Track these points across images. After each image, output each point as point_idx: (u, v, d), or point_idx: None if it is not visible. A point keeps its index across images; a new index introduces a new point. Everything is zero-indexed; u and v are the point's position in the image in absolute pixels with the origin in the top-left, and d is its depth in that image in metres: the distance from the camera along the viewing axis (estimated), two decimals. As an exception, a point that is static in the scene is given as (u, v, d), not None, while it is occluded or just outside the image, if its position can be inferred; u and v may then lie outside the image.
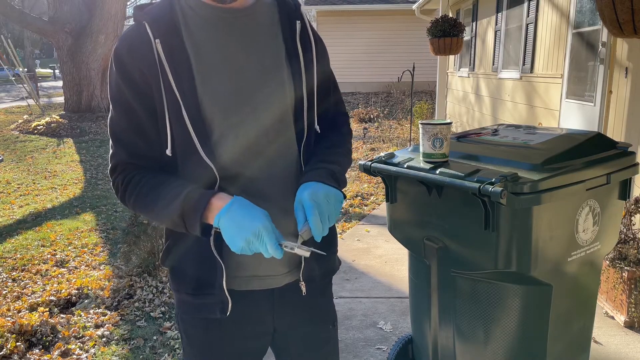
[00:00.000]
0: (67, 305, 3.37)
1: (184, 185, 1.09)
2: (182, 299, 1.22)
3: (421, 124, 1.83)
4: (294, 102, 1.17)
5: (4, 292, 3.55)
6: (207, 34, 1.12)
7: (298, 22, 1.19)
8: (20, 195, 6.30)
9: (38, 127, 10.77)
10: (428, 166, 1.83)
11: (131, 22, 1.14)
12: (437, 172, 1.77)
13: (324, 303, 1.35)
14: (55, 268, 3.99)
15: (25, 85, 15.15)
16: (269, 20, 1.18)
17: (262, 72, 1.15)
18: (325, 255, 1.06)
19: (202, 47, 1.11)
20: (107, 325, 3.06)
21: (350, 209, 5.36)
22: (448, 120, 1.82)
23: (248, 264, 1.18)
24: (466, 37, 8.51)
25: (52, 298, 3.39)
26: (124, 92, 1.11)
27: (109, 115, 1.17)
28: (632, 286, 2.85)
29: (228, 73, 1.12)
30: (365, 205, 5.48)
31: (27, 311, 3.24)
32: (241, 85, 1.13)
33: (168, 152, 1.12)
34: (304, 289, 1.22)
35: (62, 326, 3.04)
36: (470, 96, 8.83)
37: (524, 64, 6.17)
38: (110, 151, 1.18)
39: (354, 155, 8.17)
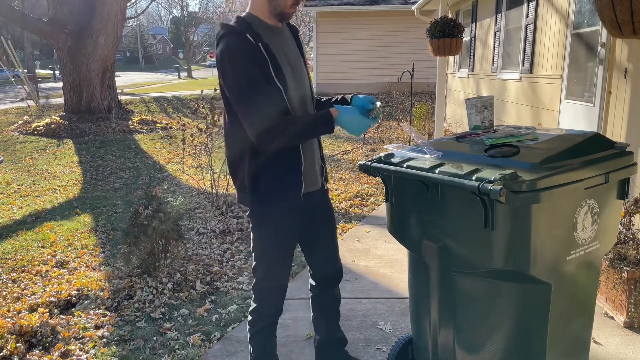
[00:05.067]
0: (67, 306, 3.37)
1: (311, 113, 2.08)
2: (273, 197, 2.03)
3: (467, 100, 2.03)
4: (306, 74, 2.13)
5: (4, 293, 3.56)
6: (272, 40, 1.95)
7: (298, 33, 2.17)
8: (20, 196, 6.31)
9: (38, 128, 10.78)
10: (427, 165, 1.84)
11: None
12: (437, 171, 1.78)
13: (326, 196, 2.30)
14: (55, 269, 3.99)
15: (25, 87, 15.16)
16: (289, 35, 2.09)
17: (294, 55, 2.07)
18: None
19: (273, 47, 1.93)
20: (107, 326, 3.06)
21: (350, 209, 5.36)
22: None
23: (307, 179, 2.07)
24: (466, 38, 8.52)
25: (52, 299, 3.39)
26: (257, 75, 1.86)
27: (246, 97, 1.86)
28: (632, 286, 2.85)
29: (285, 57, 1.99)
30: (365, 206, 5.49)
31: (27, 312, 3.24)
32: (294, 68, 2.04)
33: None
34: (327, 186, 2.28)
35: (62, 327, 3.04)
36: (470, 97, 8.83)
37: (523, 65, 6.18)
38: (260, 121, 1.86)
39: (353, 156, 8.18)
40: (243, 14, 1.98)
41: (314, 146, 2.13)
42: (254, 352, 2.26)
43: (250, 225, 2.15)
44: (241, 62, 1.84)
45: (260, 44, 1.87)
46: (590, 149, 1.85)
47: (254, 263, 2.17)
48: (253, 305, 2.22)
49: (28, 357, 2.76)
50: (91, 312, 3.24)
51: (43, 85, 24.87)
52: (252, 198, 2.05)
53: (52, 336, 2.95)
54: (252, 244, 2.17)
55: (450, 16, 7.38)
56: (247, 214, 2.16)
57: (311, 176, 2.11)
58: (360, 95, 2.09)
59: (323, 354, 2.51)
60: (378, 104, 2.00)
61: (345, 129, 1.93)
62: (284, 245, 2.14)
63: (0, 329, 2.92)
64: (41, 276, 3.87)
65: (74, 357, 2.77)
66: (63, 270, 3.96)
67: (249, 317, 2.25)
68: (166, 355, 2.76)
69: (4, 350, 2.76)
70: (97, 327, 3.07)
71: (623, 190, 1.94)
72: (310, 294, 2.43)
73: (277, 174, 2.00)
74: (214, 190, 5.45)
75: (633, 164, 1.92)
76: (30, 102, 14.86)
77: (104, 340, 2.93)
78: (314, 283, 2.41)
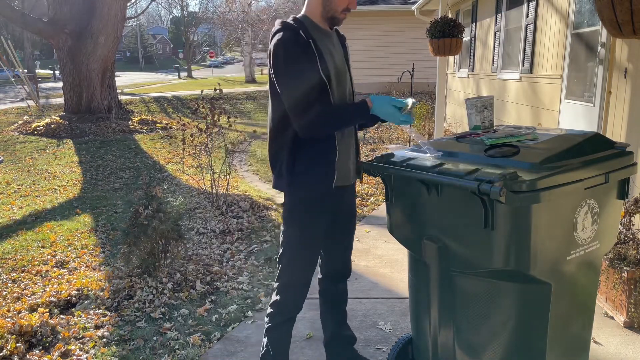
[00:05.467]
0: (67, 306, 3.37)
1: (349, 103, 2.22)
2: (306, 185, 2.14)
3: (467, 100, 2.03)
4: (349, 78, 2.25)
5: (4, 293, 3.56)
6: (321, 40, 2.11)
7: (346, 43, 2.31)
8: (20, 196, 6.30)
9: (38, 128, 10.78)
10: (428, 165, 1.84)
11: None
12: (437, 171, 1.78)
13: (354, 194, 2.41)
14: (55, 269, 3.99)
15: (25, 87, 15.16)
16: (336, 40, 2.23)
17: (340, 58, 2.19)
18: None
19: (322, 46, 2.09)
20: (107, 326, 3.06)
21: (350, 209, 5.35)
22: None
23: (340, 171, 2.16)
24: (466, 38, 8.52)
25: (52, 299, 3.39)
26: (306, 67, 2.01)
27: (292, 85, 2.00)
28: (632, 286, 2.85)
29: (331, 57, 2.12)
30: (365, 206, 5.48)
31: (27, 312, 3.24)
32: (337, 65, 2.14)
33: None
34: (357, 183, 2.32)
35: (62, 327, 3.04)
36: (470, 97, 8.82)
37: (523, 65, 6.18)
38: (300, 106, 2.00)
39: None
40: (298, 15, 2.16)
41: (350, 142, 2.23)
42: (269, 345, 2.30)
43: (282, 212, 2.26)
44: (293, 53, 2.00)
45: (311, 40, 2.04)
46: (590, 149, 1.85)
47: (281, 250, 2.26)
48: (275, 297, 2.29)
49: (28, 357, 2.76)
50: (91, 312, 3.24)
51: (43, 85, 24.86)
52: (287, 184, 2.15)
53: (52, 336, 2.95)
54: (281, 232, 2.26)
55: (450, 16, 7.38)
56: (282, 202, 2.28)
57: (344, 170, 2.20)
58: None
59: (331, 351, 2.54)
60: (410, 101, 2.03)
61: (381, 117, 2.09)
62: (311, 234, 2.21)
63: (0, 329, 2.92)
64: (41, 276, 3.87)
65: (74, 357, 2.77)
66: (63, 270, 3.96)
67: (269, 310, 2.31)
68: (166, 355, 2.76)
69: (4, 350, 2.76)
70: (97, 327, 3.07)
71: (623, 190, 1.94)
72: (319, 288, 2.50)
73: (313, 163, 2.12)
74: (214, 190, 5.45)
75: (633, 164, 1.92)
76: (30, 102, 14.85)
77: (104, 340, 2.93)
78: (320, 276, 2.47)
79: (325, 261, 2.42)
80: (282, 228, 2.25)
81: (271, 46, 2.06)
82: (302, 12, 2.16)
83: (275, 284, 2.29)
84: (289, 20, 2.12)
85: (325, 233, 2.30)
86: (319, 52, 2.05)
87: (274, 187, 2.25)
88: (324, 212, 2.22)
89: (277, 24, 2.12)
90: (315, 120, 2.02)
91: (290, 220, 2.22)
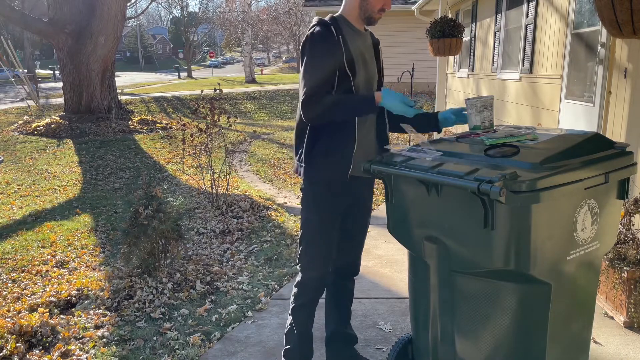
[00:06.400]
0: (67, 306, 3.37)
1: (357, 93, 2.21)
2: (322, 172, 2.25)
3: (467, 100, 2.04)
4: (377, 78, 2.36)
5: (4, 293, 3.56)
6: (352, 39, 2.22)
7: (379, 45, 2.40)
8: (20, 196, 6.30)
9: (38, 128, 10.78)
10: (428, 165, 1.84)
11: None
12: (437, 171, 1.78)
13: (371, 190, 2.48)
14: (55, 269, 3.99)
15: (25, 87, 15.16)
16: (368, 39, 2.34)
17: (370, 58, 2.31)
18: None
19: (351, 44, 2.19)
20: (107, 326, 3.06)
21: (350, 209, 5.35)
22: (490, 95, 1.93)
23: (355, 161, 2.23)
24: (465, 38, 8.52)
25: (52, 299, 3.39)
26: (327, 60, 2.13)
27: (309, 73, 2.12)
28: (632, 286, 2.85)
29: (360, 55, 2.23)
30: (365, 206, 5.48)
31: (27, 312, 3.24)
32: (365, 61, 2.27)
33: (333, 92, 2.17)
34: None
35: (62, 327, 3.04)
36: (469, 97, 8.81)
37: (523, 65, 6.18)
38: (308, 91, 2.10)
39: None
40: (335, 14, 2.27)
41: (370, 136, 2.32)
42: (294, 324, 2.40)
43: (301, 197, 2.40)
44: (319, 47, 2.14)
45: (340, 36, 2.16)
46: (590, 149, 1.85)
47: (300, 233, 2.38)
48: (298, 278, 2.41)
49: (28, 357, 2.76)
50: (91, 312, 3.24)
51: (43, 85, 24.86)
52: (305, 170, 2.27)
53: (52, 336, 2.95)
54: (300, 215, 2.39)
55: (450, 16, 7.39)
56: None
57: (362, 163, 2.25)
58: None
59: (331, 349, 2.56)
60: (419, 103, 2.16)
61: (391, 110, 2.17)
62: (326, 218, 2.30)
63: (0, 329, 2.92)
64: (41, 276, 3.87)
65: (74, 357, 2.77)
66: (63, 270, 3.96)
67: (294, 290, 2.42)
68: (166, 355, 2.76)
69: (4, 350, 2.76)
70: (97, 327, 3.07)
71: (623, 190, 1.94)
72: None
73: (330, 152, 2.23)
74: (214, 190, 5.45)
75: (633, 164, 1.92)
76: (30, 102, 14.85)
77: (104, 340, 2.93)
78: (329, 269, 2.50)
79: (336, 255, 2.45)
80: (301, 210, 2.37)
81: (304, 39, 2.21)
82: (339, 12, 2.27)
83: (298, 266, 2.40)
84: (326, 18, 2.24)
85: (340, 223, 2.36)
86: (347, 49, 2.16)
87: (294, 171, 2.36)
88: (339, 197, 2.30)
89: (313, 20, 2.25)
90: (314, 104, 2.11)
91: (307, 204, 2.33)
